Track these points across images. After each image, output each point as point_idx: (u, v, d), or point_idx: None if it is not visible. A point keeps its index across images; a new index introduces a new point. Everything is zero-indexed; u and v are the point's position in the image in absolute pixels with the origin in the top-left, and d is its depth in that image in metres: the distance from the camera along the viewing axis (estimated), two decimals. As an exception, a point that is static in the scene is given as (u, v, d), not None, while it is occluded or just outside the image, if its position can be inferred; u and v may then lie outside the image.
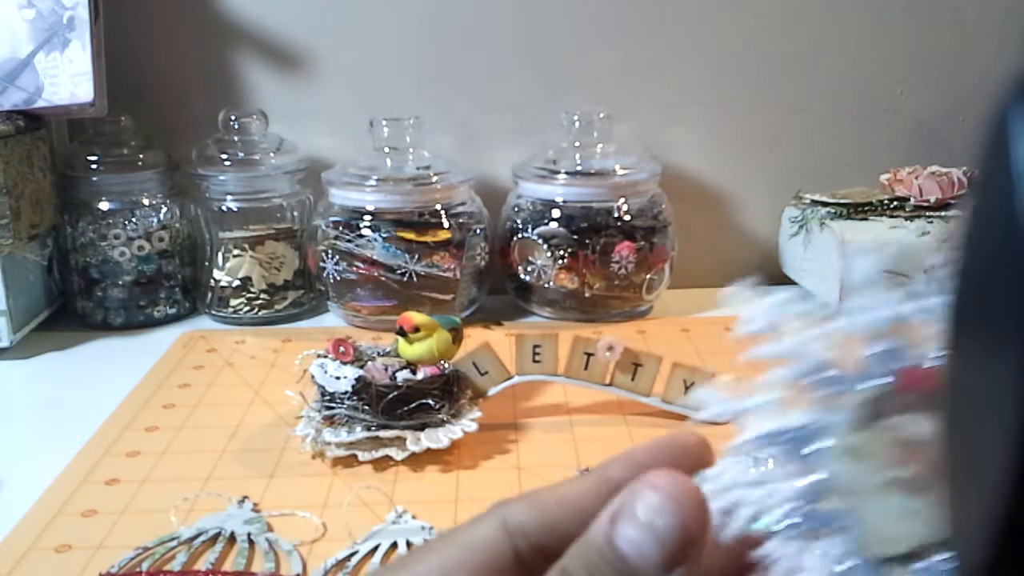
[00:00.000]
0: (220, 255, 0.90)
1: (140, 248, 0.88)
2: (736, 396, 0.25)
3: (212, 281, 0.91)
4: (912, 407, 0.24)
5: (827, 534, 0.23)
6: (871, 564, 0.23)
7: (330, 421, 0.63)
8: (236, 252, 0.89)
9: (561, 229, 0.87)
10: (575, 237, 0.87)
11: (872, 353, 0.24)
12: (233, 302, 0.90)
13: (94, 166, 0.88)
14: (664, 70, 0.98)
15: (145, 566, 0.51)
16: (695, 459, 0.25)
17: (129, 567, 0.51)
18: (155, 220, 0.89)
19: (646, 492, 0.22)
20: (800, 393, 0.25)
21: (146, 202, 0.89)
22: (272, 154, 0.91)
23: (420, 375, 0.65)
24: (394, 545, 0.52)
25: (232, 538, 0.53)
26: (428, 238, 0.85)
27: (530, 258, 0.88)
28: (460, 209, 0.88)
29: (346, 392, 0.63)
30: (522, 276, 0.89)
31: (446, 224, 0.86)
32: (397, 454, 0.61)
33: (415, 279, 0.85)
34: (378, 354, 0.69)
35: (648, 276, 0.89)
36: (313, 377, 0.65)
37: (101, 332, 0.88)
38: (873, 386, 0.24)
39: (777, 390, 0.25)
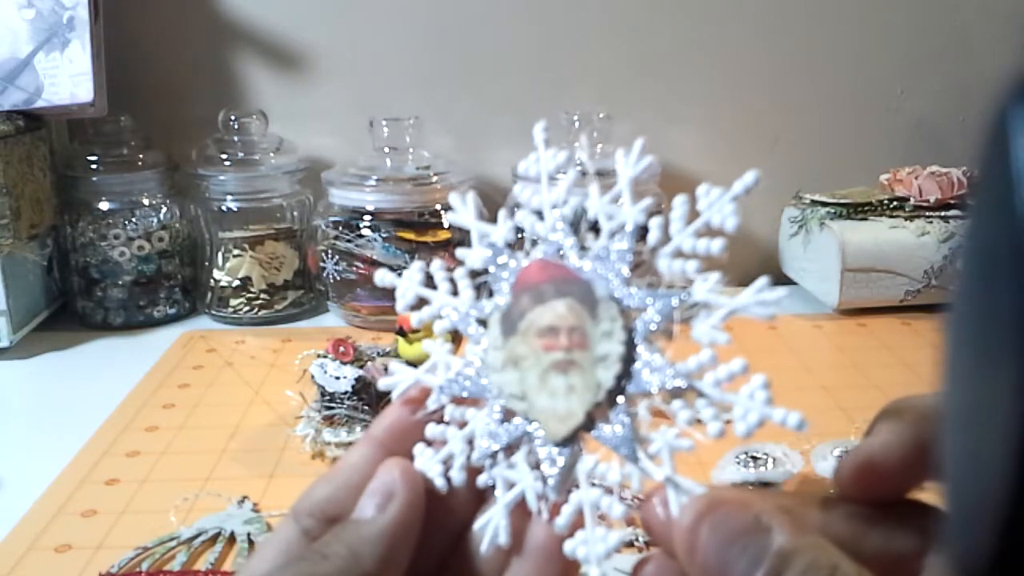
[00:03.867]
0: (220, 255, 0.90)
1: (140, 248, 0.88)
2: (410, 369, 0.29)
3: (212, 281, 0.91)
4: (535, 300, 0.27)
5: (522, 440, 0.26)
6: (563, 443, 0.26)
7: (330, 421, 0.63)
8: (236, 252, 0.89)
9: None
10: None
11: (487, 276, 0.28)
12: (233, 302, 0.90)
13: (94, 166, 0.88)
14: (664, 70, 0.98)
15: (145, 566, 0.51)
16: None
17: (129, 567, 0.51)
18: (155, 220, 0.89)
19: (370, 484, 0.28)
20: (464, 340, 0.28)
21: (146, 202, 0.89)
22: (272, 154, 0.91)
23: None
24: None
25: (232, 538, 0.53)
26: (428, 238, 0.85)
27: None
28: (460, 209, 0.88)
29: (346, 392, 0.63)
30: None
31: (446, 224, 0.86)
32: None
33: (415, 279, 0.85)
34: (378, 354, 0.69)
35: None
36: (313, 377, 0.65)
37: (101, 332, 0.88)
38: (500, 302, 0.27)
39: (443, 344, 0.28)
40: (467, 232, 0.29)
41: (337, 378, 0.65)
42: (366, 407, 0.62)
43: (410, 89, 0.98)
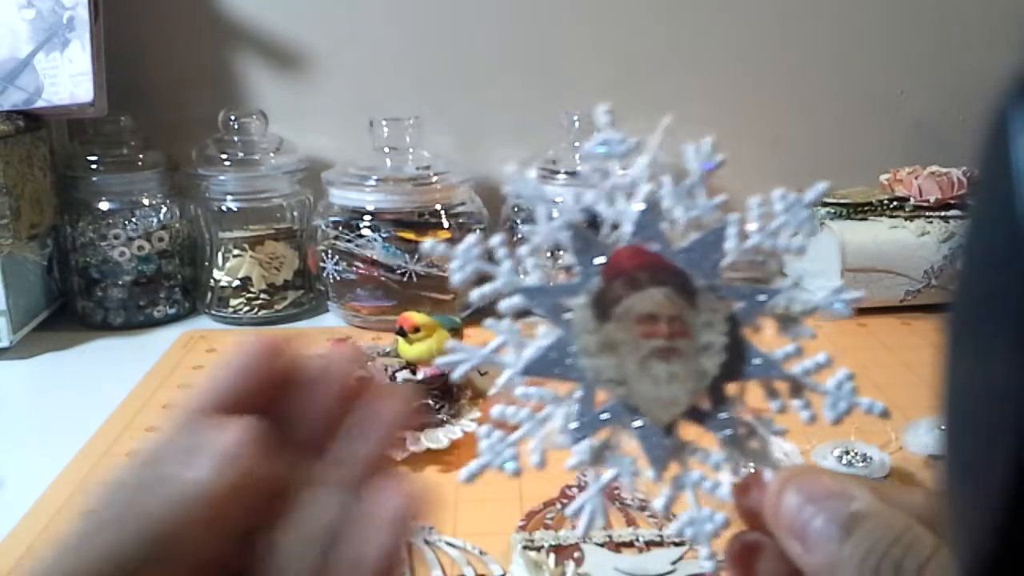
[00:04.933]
0: (220, 255, 0.90)
1: (140, 248, 0.88)
2: (477, 345, 0.28)
3: (212, 281, 0.91)
4: (630, 286, 0.27)
5: (616, 425, 0.26)
6: (663, 429, 0.26)
7: (330, 421, 0.63)
8: (236, 252, 0.89)
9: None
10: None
11: (572, 258, 0.27)
12: (233, 302, 0.90)
13: (94, 166, 0.88)
14: (664, 70, 0.98)
15: (145, 566, 0.50)
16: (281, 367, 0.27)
17: (129, 567, 0.50)
18: (155, 220, 0.89)
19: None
20: (535, 318, 0.28)
21: (146, 202, 0.89)
22: (272, 154, 0.91)
23: (420, 375, 0.65)
24: (394, 545, 0.52)
25: (232, 538, 0.53)
26: (428, 238, 0.85)
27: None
28: (460, 209, 0.88)
29: (346, 392, 0.63)
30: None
31: (446, 224, 0.86)
32: (397, 454, 0.61)
33: (415, 279, 0.85)
34: (378, 354, 0.69)
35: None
36: (313, 377, 0.65)
37: (101, 332, 0.88)
38: (589, 285, 0.27)
39: (511, 324, 0.27)
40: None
41: (337, 378, 0.65)
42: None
43: (410, 89, 0.98)
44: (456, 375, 0.28)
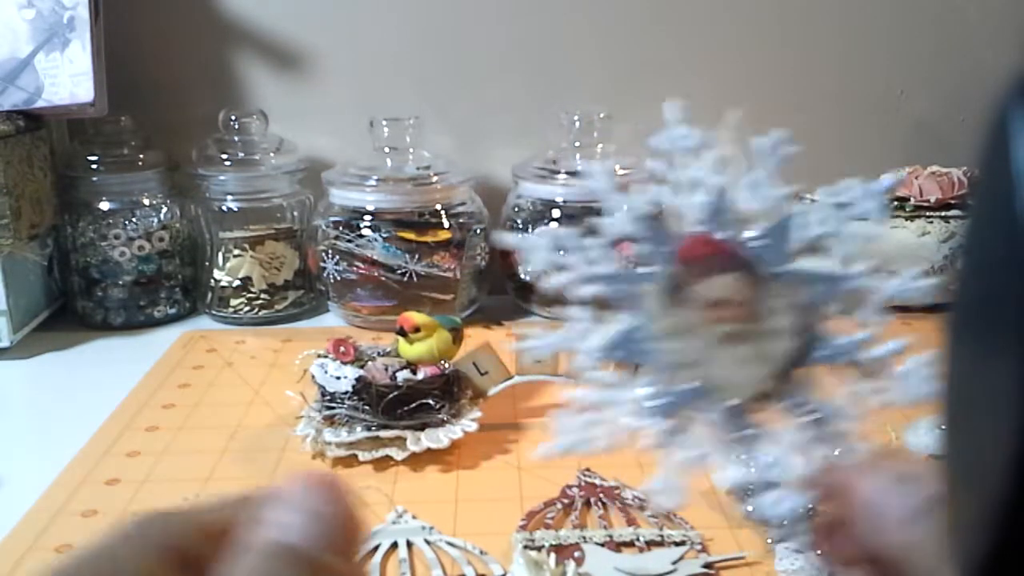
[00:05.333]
0: (220, 255, 0.90)
1: (140, 248, 0.88)
2: (552, 331, 0.28)
3: (212, 281, 0.91)
4: (701, 273, 0.27)
5: (689, 407, 0.27)
6: (739, 409, 0.27)
7: (330, 421, 0.63)
8: (236, 252, 0.89)
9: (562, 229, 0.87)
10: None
11: (643, 247, 0.28)
12: (233, 302, 0.90)
13: (94, 166, 0.88)
14: (664, 70, 0.98)
15: (145, 566, 0.50)
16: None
17: (129, 567, 0.50)
18: (155, 220, 0.89)
19: (285, 488, 0.22)
20: (606, 306, 0.28)
21: (146, 202, 0.89)
22: (272, 154, 0.91)
23: (420, 375, 0.65)
24: (394, 545, 0.52)
25: (232, 538, 0.53)
26: (428, 238, 0.85)
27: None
28: (460, 209, 0.88)
29: (346, 392, 0.63)
30: (522, 276, 0.89)
31: (446, 224, 0.86)
32: (397, 454, 0.61)
33: (415, 279, 0.85)
34: (378, 354, 0.69)
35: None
36: (313, 377, 0.65)
37: (101, 332, 0.88)
38: (660, 272, 0.28)
39: (585, 311, 0.28)
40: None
41: (337, 378, 0.65)
42: (366, 407, 0.62)
43: (410, 89, 0.98)
44: (531, 357, 0.29)
